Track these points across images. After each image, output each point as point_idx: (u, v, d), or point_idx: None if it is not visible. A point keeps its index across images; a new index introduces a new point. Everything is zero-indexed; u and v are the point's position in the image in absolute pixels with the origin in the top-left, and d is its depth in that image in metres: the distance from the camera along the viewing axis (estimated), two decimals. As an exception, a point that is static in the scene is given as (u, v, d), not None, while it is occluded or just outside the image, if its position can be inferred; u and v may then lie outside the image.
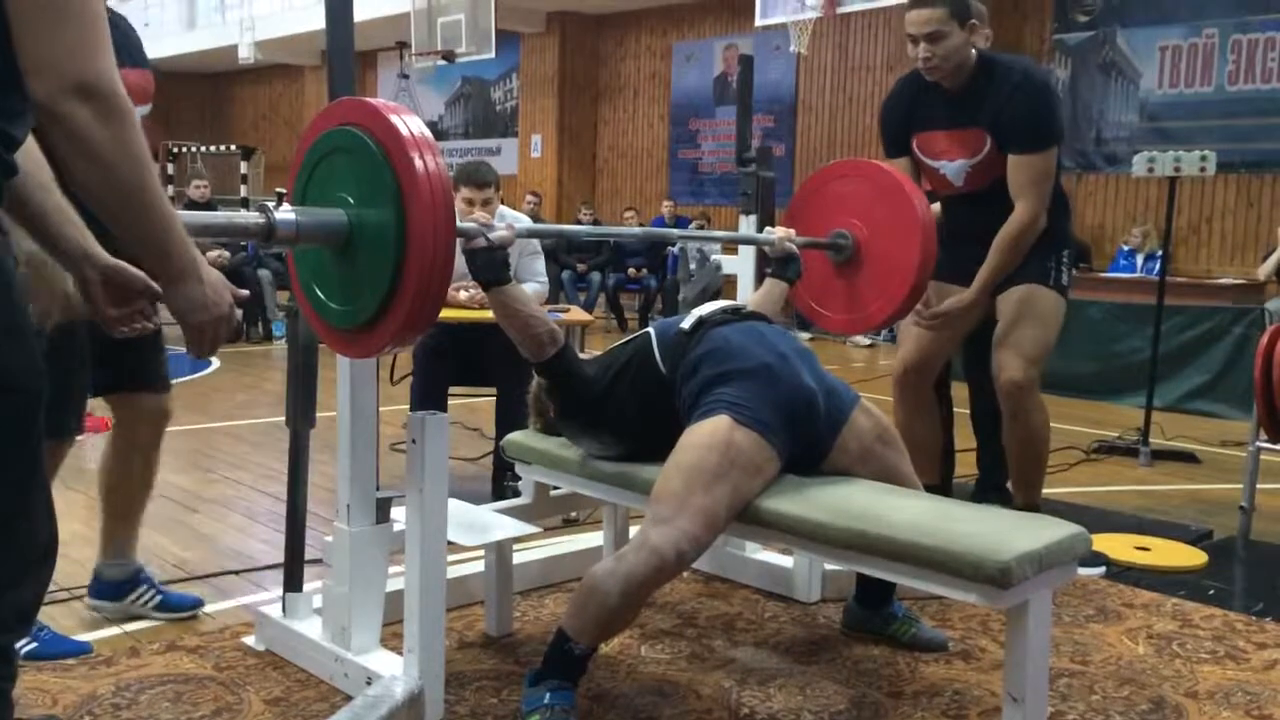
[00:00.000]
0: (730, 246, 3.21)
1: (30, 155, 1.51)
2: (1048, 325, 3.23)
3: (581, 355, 2.69)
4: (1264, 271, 7.44)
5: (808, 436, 2.31)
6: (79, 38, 1.24)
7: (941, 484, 3.50)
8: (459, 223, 2.10)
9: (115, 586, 2.73)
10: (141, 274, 1.57)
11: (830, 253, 2.98)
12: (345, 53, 2.30)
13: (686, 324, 2.41)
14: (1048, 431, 3.31)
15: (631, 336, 2.53)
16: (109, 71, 1.26)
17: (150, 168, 1.33)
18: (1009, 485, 3.46)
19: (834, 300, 3.02)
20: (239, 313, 1.63)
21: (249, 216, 1.85)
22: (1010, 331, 3.20)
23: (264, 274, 8.77)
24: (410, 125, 1.85)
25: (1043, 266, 3.23)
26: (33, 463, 1.45)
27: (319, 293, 2.02)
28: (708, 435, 2.18)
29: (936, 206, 3.32)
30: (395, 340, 1.91)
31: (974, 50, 3.13)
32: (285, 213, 1.85)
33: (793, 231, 2.89)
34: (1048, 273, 3.24)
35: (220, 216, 1.93)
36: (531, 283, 4.19)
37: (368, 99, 1.95)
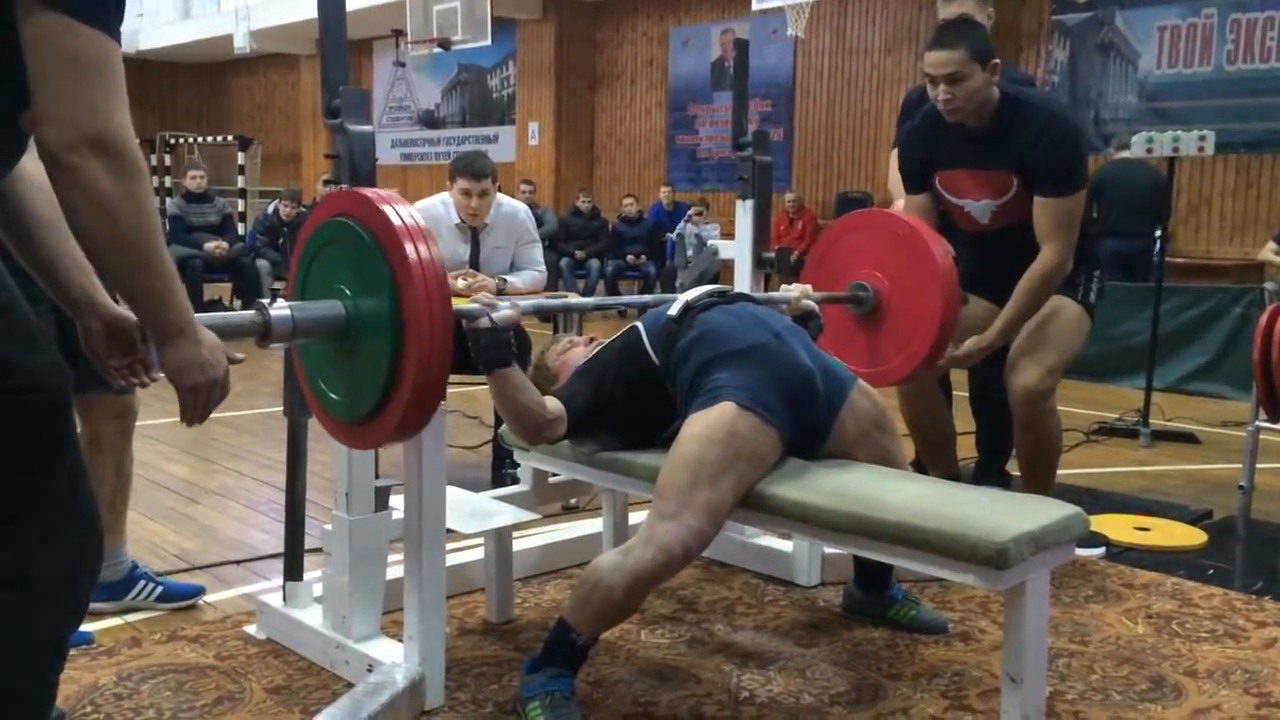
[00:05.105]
0: (727, 230, 3.20)
1: (44, 194, 1.48)
2: (1071, 337, 3.18)
3: (577, 338, 2.67)
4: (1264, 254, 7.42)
5: (808, 418, 2.29)
6: (95, 92, 1.23)
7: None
8: (461, 305, 2.09)
9: (111, 589, 2.72)
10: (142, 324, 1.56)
11: (851, 305, 2.93)
12: (339, 42, 2.29)
13: (674, 310, 2.38)
14: (1061, 435, 3.28)
15: (618, 334, 2.49)
16: (123, 126, 1.26)
17: (156, 224, 1.32)
18: (1010, 469, 3.45)
19: (855, 353, 2.93)
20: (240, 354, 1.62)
21: (244, 315, 1.83)
22: (1031, 340, 3.14)
23: (262, 264, 8.75)
24: (402, 215, 1.86)
25: (1072, 282, 3.18)
26: (76, 458, 1.45)
27: (323, 386, 2.04)
28: (711, 425, 2.16)
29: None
30: (398, 431, 1.93)
31: (996, 89, 3.02)
32: (280, 309, 1.84)
33: (809, 287, 2.80)
34: (1077, 288, 3.20)
35: (217, 317, 1.75)
36: (530, 270, 4.19)
37: (360, 190, 1.97)
